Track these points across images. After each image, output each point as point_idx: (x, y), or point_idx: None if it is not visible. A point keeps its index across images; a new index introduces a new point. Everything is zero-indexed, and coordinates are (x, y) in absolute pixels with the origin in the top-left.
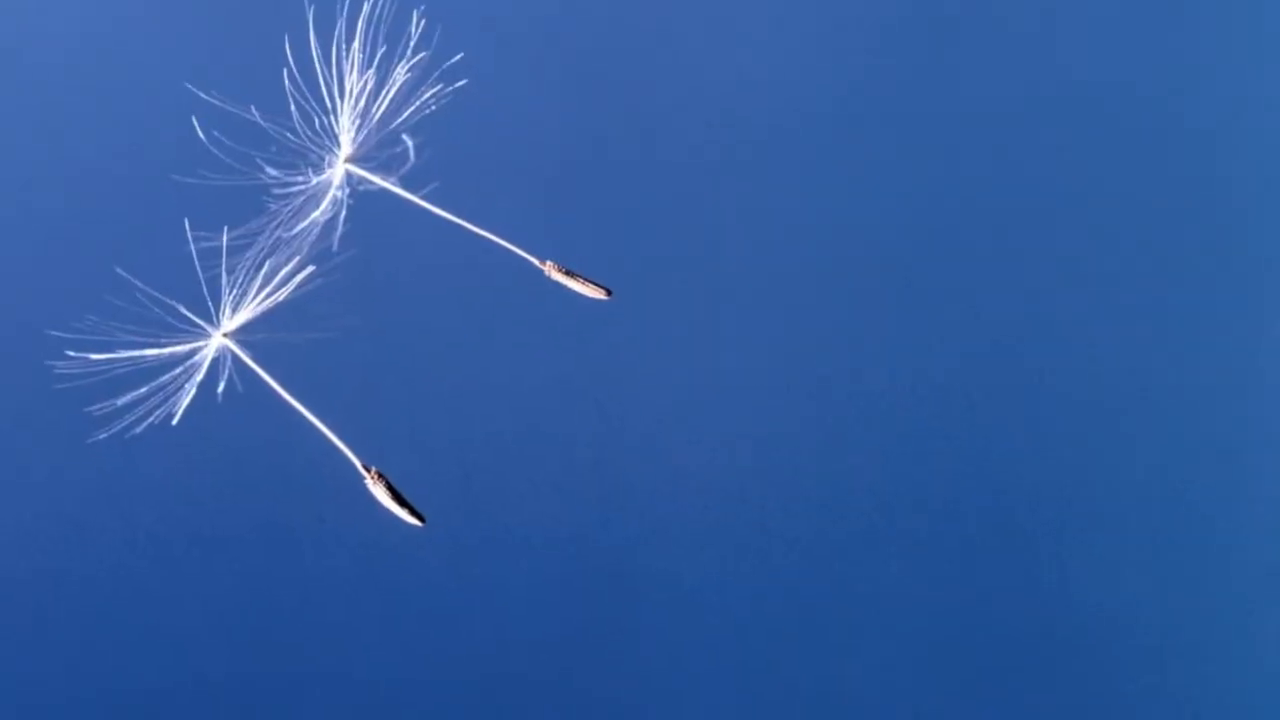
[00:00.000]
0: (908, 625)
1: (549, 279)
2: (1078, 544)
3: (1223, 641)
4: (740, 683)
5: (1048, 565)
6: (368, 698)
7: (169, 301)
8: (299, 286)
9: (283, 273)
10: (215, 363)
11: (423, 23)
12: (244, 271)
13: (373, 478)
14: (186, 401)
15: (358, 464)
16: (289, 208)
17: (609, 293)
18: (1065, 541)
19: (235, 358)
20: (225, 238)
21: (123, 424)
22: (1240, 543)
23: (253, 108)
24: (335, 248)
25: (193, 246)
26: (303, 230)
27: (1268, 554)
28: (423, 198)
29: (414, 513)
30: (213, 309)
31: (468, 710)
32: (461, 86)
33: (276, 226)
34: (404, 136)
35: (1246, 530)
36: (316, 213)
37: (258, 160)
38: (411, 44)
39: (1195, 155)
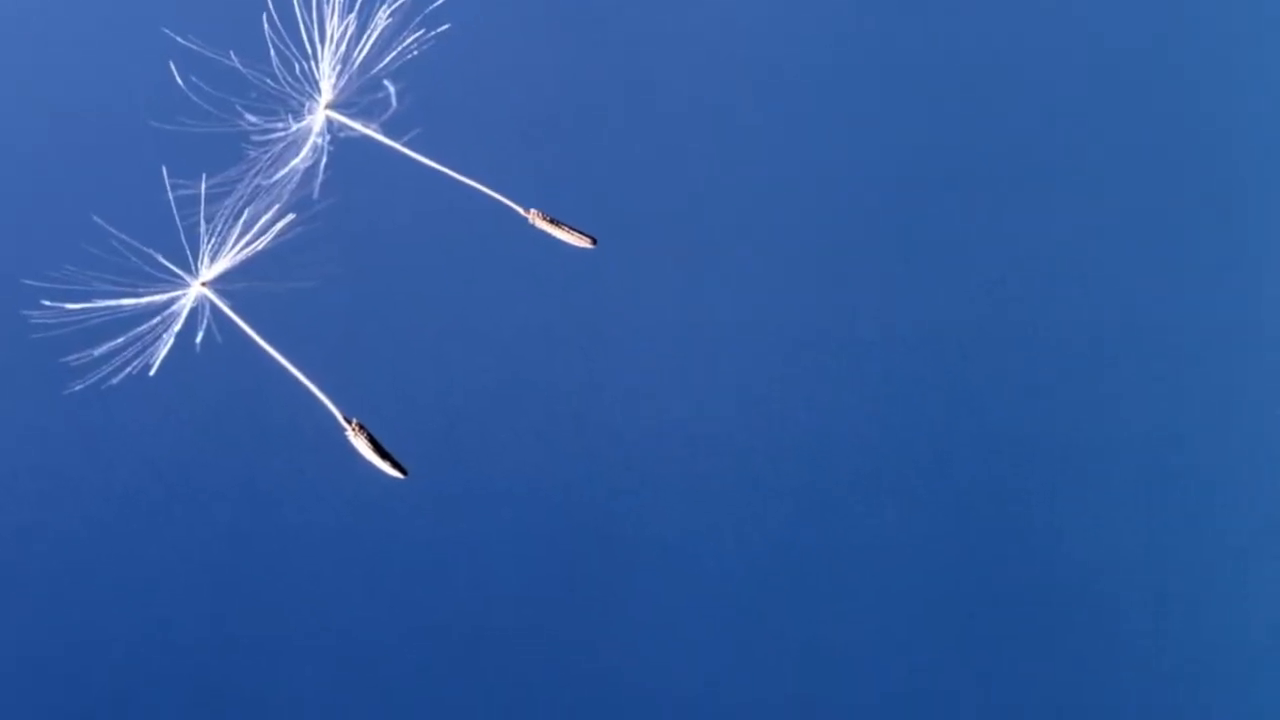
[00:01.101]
0: (898, 578)
1: (533, 227)
2: (1071, 494)
3: (1216, 595)
4: (727, 636)
5: (1041, 515)
6: (348, 652)
7: (146, 250)
8: (279, 235)
9: (262, 221)
10: (194, 312)
11: None
12: (223, 220)
13: (354, 429)
14: (164, 352)
15: (338, 415)
16: (268, 155)
17: (594, 241)
18: (1059, 492)
19: (214, 307)
20: (204, 185)
21: (100, 374)
22: (1234, 495)
23: (231, 53)
24: (316, 195)
25: (170, 194)
26: (282, 178)
27: (1262, 507)
28: (405, 144)
29: (395, 465)
30: (191, 258)
31: (450, 663)
32: (444, 31)
33: (256, 174)
34: (386, 82)
35: (1240, 483)
36: (296, 160)
37: (237, 106)
38: None
39: (1189, 99)
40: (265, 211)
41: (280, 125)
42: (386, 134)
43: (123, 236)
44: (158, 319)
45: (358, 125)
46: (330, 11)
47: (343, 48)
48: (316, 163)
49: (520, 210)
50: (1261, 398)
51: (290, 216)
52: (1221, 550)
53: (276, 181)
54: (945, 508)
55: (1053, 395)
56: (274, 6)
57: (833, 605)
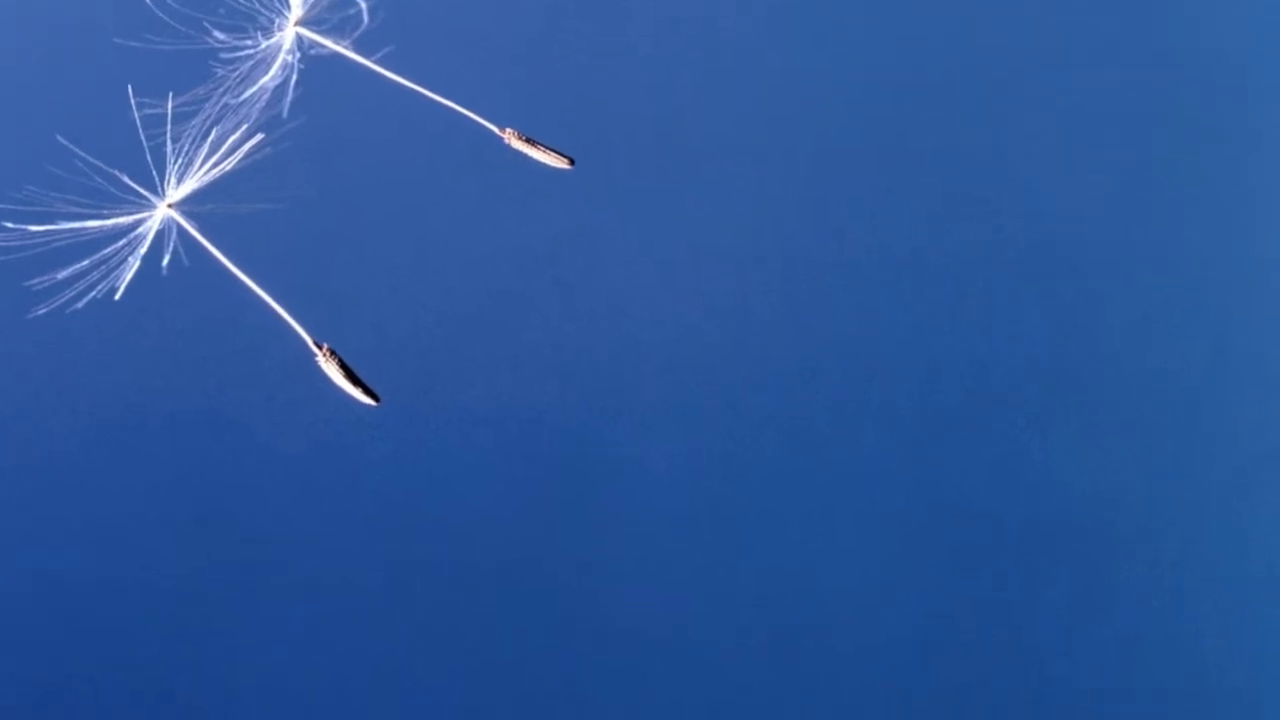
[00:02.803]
0: (884, 506)
1: (509, 147)
2: (1063, 421)
3: (1210, 525)
4: (709, 564)
5: (1031, 442)
6: (319, 581)
7: (112, 171)
8: (247, 155)
9: (230, 141)
10: (160, 235)
11: None
12: (190, 139)
13: (325, 355)
14: (130, 275)
15: (309, 341)
16: (237, 73)
17: (571, 162)
18: (1050, 418)
19: (181, 229)
20: (170, 104)
21: (63, 299)
22: (1229, 424)
23: None
24: (285, 114)
25: (136, 114)
26: (251, 96)
27: (1257, 437)
28: (377, 62)
29: (368, 391)
30: (157, 179)
31: (425, 591)
32: None
33: (224, 92)
34: None
35: (1235, 413)
36: (266, 78)
37: (204, 23)
38: None
39: (1184, 24)
40: (234, 131)
41: (249, 42)
42: (358, 51)
43: (87, 157)
44: (123, 241)
45: (328, 42)
46: None
47: None
48: (286, 81)
49: (495, 130)
50: (1258, 326)
51: (259, 136)
52: (1216, 480)
53: (245, 100)
54: (933, 434)
55: (1043, 319)
56: None
57: (816, 535)
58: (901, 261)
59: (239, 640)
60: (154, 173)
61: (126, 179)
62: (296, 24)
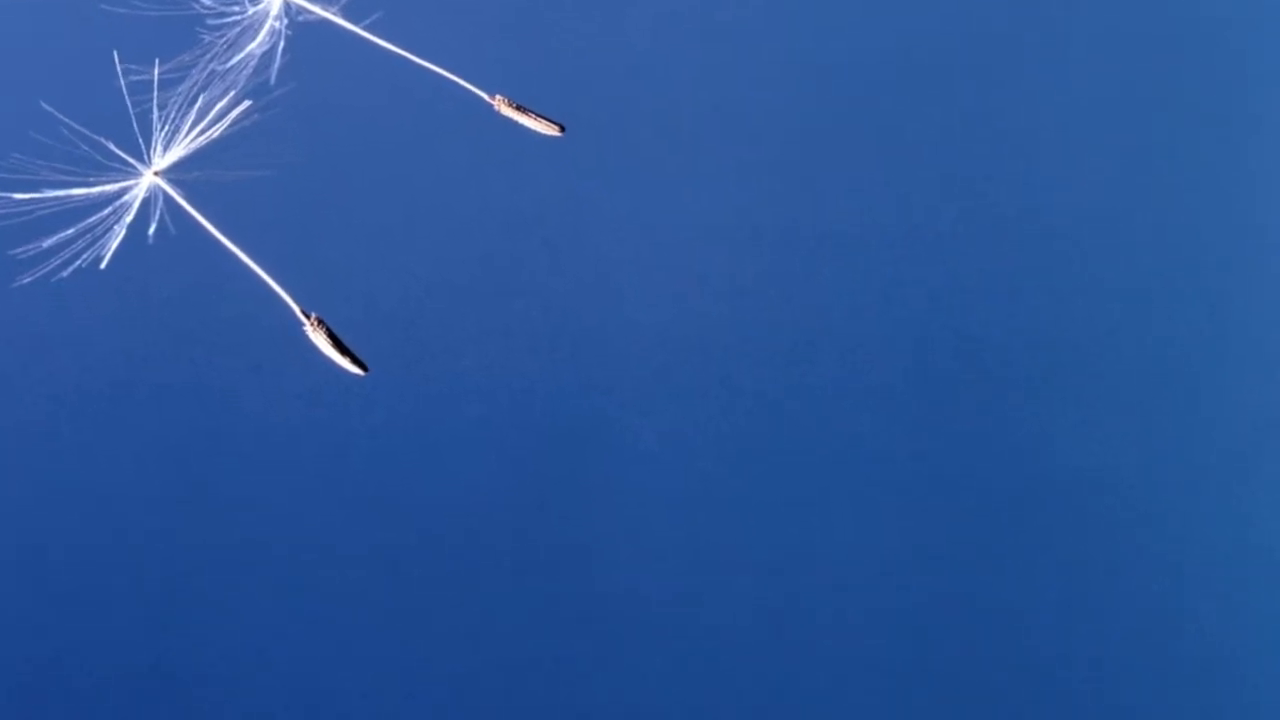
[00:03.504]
0: (878, 483)
1: (499, 114)
2: (1059, 399)
3: (1208, 505)
4: (700, 540)
5: (1028, 421)
6: (305, 553)
7: (97, 138)
8: (234, 122)
9: (217, 108)
10: (146, 203)
11: None
12: (176, 107)
13: (313, 324)
14: (116, 244)
15: (297, 310)
16: (224, 39)
17: (562, 129)
18: (1047, 397)
19: (167, 197)
20: (157, 71)
21: (48, 268)
22: (1225, 400)
23: None
24: (273, 81)
25: (122, 80)
26: (238, 63)
27: (1255, 417)
28: (365, 28)
29: (356, 361)
30: (143, 146)
31: (411, 565)
32: None
33: (211, 59)
34: None
35: (1232, 387)
36: (253, 44)
37: None
38: None
39: (1183, 4)
40: (221, 98)
41: (236, 8)
42: (346, 18)
43: (72, 124)
44: (109, 210)
45: (316, 8)
46: None
47: None
48: (274, 47)
49: (485, 96)
50: (1256, 306)
51: (247, 103)
52: (1215, 460)
53: (232, 67)
54: (930, 414)
55: (1041, 300)
56: None
57: (811, 510)
58: (898, 239)
59: (225, 610)
60: (140, 140)
61: (112, 146)
62: None
